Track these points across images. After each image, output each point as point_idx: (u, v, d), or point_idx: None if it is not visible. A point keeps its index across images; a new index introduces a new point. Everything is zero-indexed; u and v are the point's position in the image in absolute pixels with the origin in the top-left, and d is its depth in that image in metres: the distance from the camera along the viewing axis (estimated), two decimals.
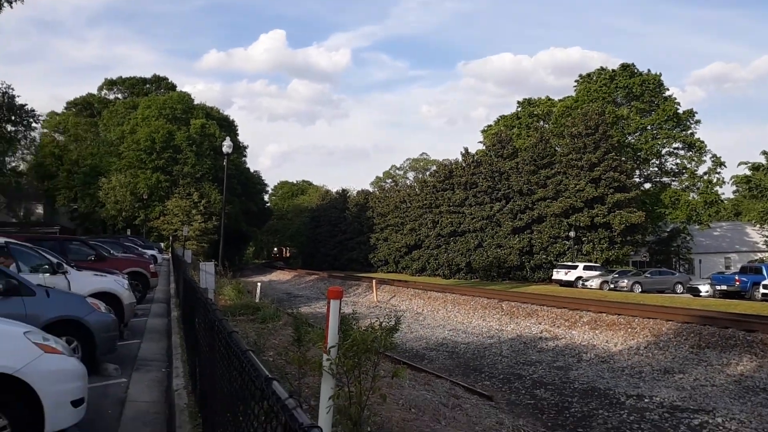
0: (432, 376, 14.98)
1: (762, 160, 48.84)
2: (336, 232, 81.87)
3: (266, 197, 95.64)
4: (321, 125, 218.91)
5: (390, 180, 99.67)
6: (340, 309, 5.95)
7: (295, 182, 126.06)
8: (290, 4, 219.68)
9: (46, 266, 10.17)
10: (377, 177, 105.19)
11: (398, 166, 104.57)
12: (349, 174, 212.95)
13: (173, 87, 73.36)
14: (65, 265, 10.57)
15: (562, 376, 15.33)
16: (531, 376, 15.43)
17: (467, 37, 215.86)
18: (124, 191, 51.44)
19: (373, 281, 39.97)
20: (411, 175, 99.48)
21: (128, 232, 47.71)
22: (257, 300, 23.26)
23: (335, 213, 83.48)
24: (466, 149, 62.88)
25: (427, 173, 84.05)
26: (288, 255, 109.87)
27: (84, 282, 10.40)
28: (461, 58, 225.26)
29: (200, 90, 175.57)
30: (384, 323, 8.12)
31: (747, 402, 11.78)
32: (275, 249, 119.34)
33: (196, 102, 65.31)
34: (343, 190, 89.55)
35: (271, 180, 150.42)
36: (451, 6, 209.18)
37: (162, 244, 46.13)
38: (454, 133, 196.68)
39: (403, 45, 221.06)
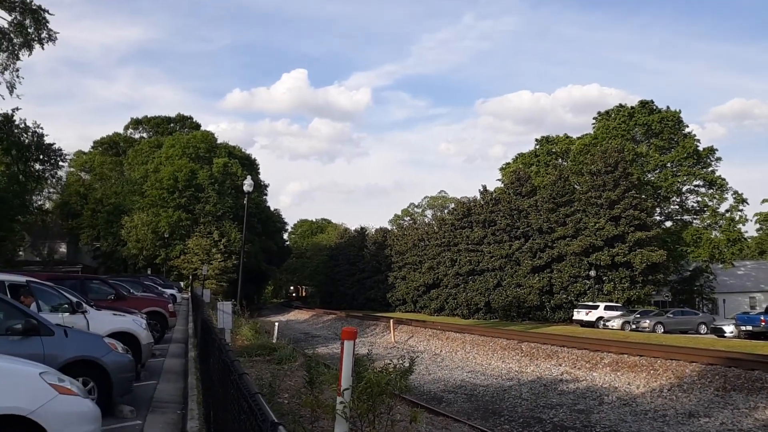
0: (450, 419, 14.75)
1: None
2: (354, 271, 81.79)
3: (285, 236, 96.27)
4: (341, 163, 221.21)
5: (408, 218, 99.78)
6: (354, 350, 5.92)
7: (314, 220, 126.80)
8: (312, 44, 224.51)
9: (66, 305, 10.29)
10: (395, 215, 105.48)
11: (416, 204, 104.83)
12: (368, 212, 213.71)
13: (197, 126, 74.98)
14: (84, 305, 10.71)
15: (583, 419, 14.99)
16: (551, 420, 15.11)
17: (486, 75, 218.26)
18: (145, 230, 52.14)
19: (391, 321, 39.71)
20: (429, 213, 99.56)
21: (149, 271, 48.17)
22: (274, 340, 23.23)
23: (353, 251, 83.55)
24: (485, 187, 62.98)
25: (445, 211, 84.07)
26: (305, 294, 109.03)
27: (103, 321, 10.50)
28: (480, 96, 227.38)
29: (223, 129, 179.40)
30: (399, 365, 8.04)
31: None
32: (291, 288, 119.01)
33: (219, 141, 66.61)
34: (362, 228, 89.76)
35: (290, 218, 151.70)
36: (469, 45, 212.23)
37: (182, 283, 46.45)
38: (472, 171, 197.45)
39: (423, 83, 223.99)
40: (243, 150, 73.12)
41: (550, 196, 53.33)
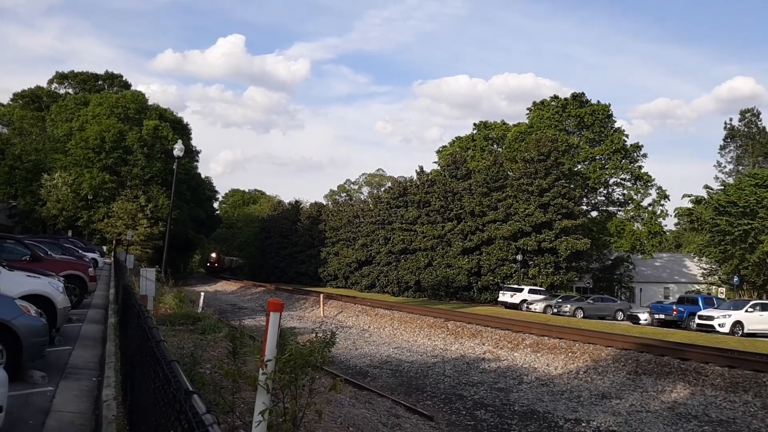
0: (374, 394, 14.87)
1: (704, 194, 50.91)
2: (286, 244, 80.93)
3: (216, 205, 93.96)
4: (275, 135, 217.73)
5: (344, 194, 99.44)
6: (280, 322, 5.83)
7: (246, 191, 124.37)
8: (255, 10, 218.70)
9: None
10: (331, 190, 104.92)
11: (353, 180, 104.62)
12: (303, 186, 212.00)
13: (127, 85, 71.66)
14: None
15: (503, 398, 15.44)
16: (472, 397, 15.48)
17: (428, 57, 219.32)
18: (67, 190, 49.65)
19: (321, 296, 39.65)
20: (365, 190, 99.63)
21: (69, 234, 45.96)
22: (199, 310, 22.70)
23: (286, 224, 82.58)
24: (421, 168, 63.52)
25: (382, 189, 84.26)
26: (229, 265, 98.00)
27: (15, 283, 9.90)
28: (421, 77, 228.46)
29: (154, 91, 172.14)
30: (323, 337, 8.00)
31: (679, 429, 12.10)
32: (213, 255, 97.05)
33: (150, 102, 63.88)
34: (296, 202, 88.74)
35: (222, 187, 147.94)
36: (414, 25, 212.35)
37: (104, 248, 44.61)
38: (409, 151, 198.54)
39: (365, 60, 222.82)
40: (175, 113, 70.51)
41: (484, 181, 54.36)
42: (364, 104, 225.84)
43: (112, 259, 34.05)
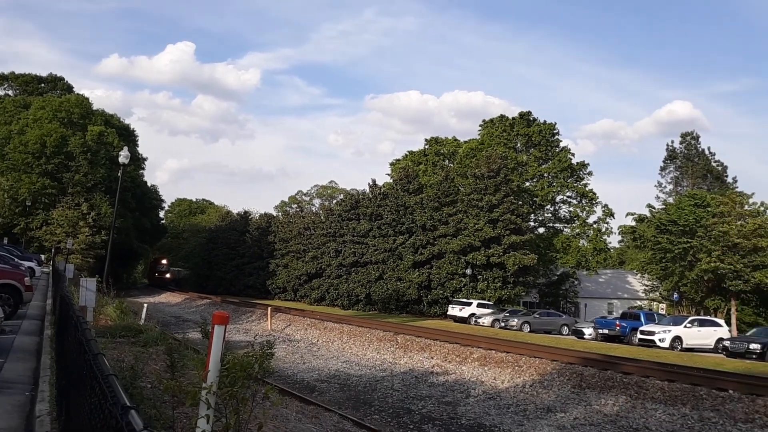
0: (321, 408, 14.67)
1: (647, 212, 52.68)
2: (234, 256, 79.51)
3: (162, 214, 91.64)
4: (224, 144, 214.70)
5: (295, 205, 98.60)
6: (224, 336, 5.72)
7: (194, 200, 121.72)
8: (210, 18, 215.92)
9: None
10: (282, 201, 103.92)
11: (305, 191, 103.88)
12: (252, 196, 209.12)
13: (70, 89, 69.53)
14: None
15: (450, 411, 15.47)
16: (420, 411, 15.46)
17: (382, 71, 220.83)
18: (3, 195, 47.55)
19: (268, 309, 39.08)
20: (317, 202, 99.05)
21: (5, 241, 43.98)
22: (141, 322, 22.00)
23: (235, 235, 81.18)
24: (374, 181, 63.70)
25: (334, 201, 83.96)
26: (170, 277, 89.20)
27: None
28: (372, 91, 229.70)
29: (99, 96, 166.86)
30: (264, 349, 7.84)
31: None
32: (163, 261, 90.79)
33: (94, 107, 62.00)
34: (245, 212, 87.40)
35: (168, 196, 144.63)
36: (369, 39, 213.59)
37: (42, 256, 42.82)
38: (362, 164, 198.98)
39: (320, 72, 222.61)
40: (121, 119, 68.67)
41: (435, 195, 54.89)
42: (317, 116, 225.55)
43: (51, 268, 32.70)
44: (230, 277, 78.21)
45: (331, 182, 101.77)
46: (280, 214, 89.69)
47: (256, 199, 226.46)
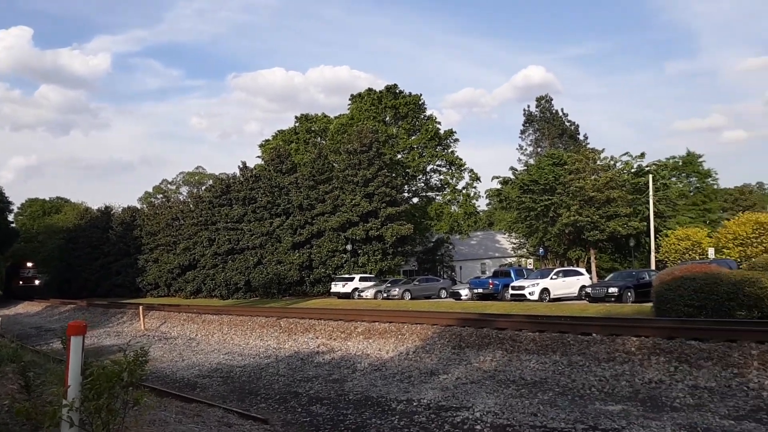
0: (204, 405, 13.90)
1: (510, 175, 55.66)
2: (97, 255, 74.18)
3: (11, 217, 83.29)
4: (76, 136, 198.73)
5: (161, 195, 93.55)
6: (83, 346, 5.37)
7: (47, 199, 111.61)
8: (48, 1, 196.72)
9: None
10: (146, 192, 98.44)
11: (170, 180, 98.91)
12: (113, 190, 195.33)
13: None
14: None
15: (337, 389, 15.33)
16: (308, 393, 15.18)
17: (243, 49, 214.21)
18: None
19: (140, 308, 36.89)
20: (185, 190, 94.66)
21: None
22: None
23: (96, 233, 75.66)
24: (244, 163, 61.81)
25: (203, 188, 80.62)
26: (39, 283, 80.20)
27: None
28: (234, 70, 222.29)
29: None
30: (138, 353, 7.20)
31: (500, 395, 12.82)
32: (29, 264, 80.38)
33: None
34: (106, 207, 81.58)
35: (17, 197, 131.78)
36: (226, 16, 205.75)
37: None
38: (229, 147, 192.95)
39: (177, 53, 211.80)
40: None
41: (310, 174, 54.28)
42: (178, 99, 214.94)
43: None
44: (95, 278, 73.07)
45: (198, 168, 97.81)
46: (145, 206, 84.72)
47: (118, 193, 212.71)
